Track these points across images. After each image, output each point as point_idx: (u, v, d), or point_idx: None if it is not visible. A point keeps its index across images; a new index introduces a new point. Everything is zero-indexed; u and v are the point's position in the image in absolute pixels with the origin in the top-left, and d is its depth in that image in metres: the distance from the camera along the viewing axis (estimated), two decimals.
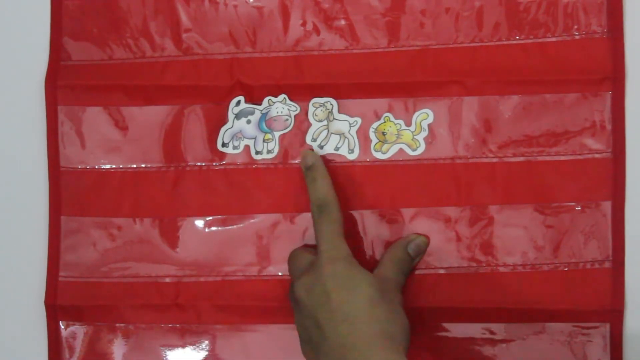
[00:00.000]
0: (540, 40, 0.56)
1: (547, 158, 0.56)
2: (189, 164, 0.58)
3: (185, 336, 0.58)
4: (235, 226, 0.57)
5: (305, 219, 0.57)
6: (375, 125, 0.57)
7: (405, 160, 0.57)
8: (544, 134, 0.56)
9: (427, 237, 0.56)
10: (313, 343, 0.49)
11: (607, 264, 0.55)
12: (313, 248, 0.55)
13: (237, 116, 0.57)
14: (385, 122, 0.57)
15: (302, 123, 0.57)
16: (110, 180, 0.58)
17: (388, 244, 0.56)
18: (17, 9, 0.59)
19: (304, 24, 0.57)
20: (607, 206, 0.55)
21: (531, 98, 0.56)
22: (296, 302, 0.51)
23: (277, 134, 0.57)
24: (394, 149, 0.57)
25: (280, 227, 0.57)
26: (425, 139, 0.56)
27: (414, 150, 0.56)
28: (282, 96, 0.57)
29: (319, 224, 0.52)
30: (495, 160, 0.56)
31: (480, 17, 0.56)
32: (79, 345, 0.58)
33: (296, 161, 0.57)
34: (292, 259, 0.55)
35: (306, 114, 0.57)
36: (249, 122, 0.57)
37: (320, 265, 0.50)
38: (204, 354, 0.58)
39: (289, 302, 0.56)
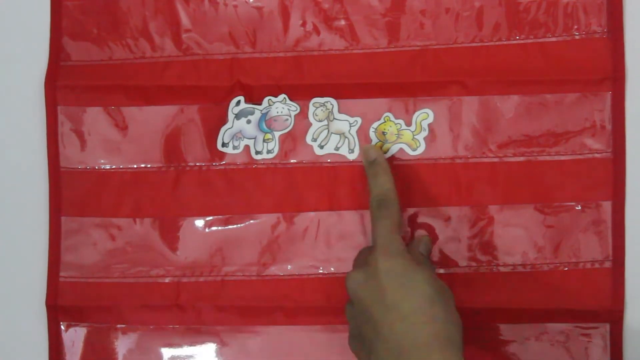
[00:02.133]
0: (540, 40, 0.56)
1: (547, 158, 0.56)
2: (189, 164, 0.58)
3: (186, 337, 0.58)
4: (235, 226, 0.57)
5: (305, 219, 0.57)
6: (375, 125, 0.57)
7: (405, 160, 0.57)
8: (544, 133, 0.56)
9: (427, 235, 0.56)
10: (365, 340, 0.48)
11: (607, 264, 0.55)
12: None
13: (237, 116, 0.57)
14: (385, 122, 0.57)
15: (302, 123, 0.57)
16: (110, 180, 0.58)
17: None
18: (17, 9, 0.59)
19: (304, 24, 0.57)
20: (607, 206, 0.55)
21: (531, 98, 0.56)
22: (350, 295, 0.50)
23: (277, 134, 0.57)
24: (394, 149, 0.57)
25: (280, 227, 0.57)
26: (425, 138, 0.56)
27: (414, 150, 0.56)
28: (282, 96, 0.57)
29: (377, 218, 0.51)
30: (495, 160, 0.56)
31: (480, 17, 0.56)
32: (79, 345, 0.58)
33: (295, 161, 0.57)
34: (357, 255, 0.54)
35: (306, 114, 0.57)
36: (249, 122, 0.57)
37: (375, 260, 0.49)
38: (204, 354, 0.58)
39: (288, 302, 0.56)
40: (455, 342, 0.46)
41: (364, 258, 0.51)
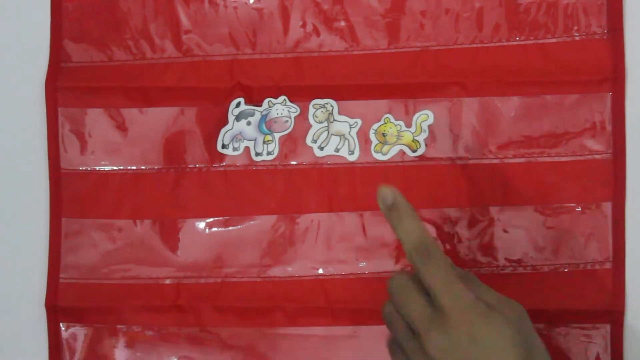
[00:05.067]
0: (540, 41, 0.56)
1: (548, 159, 0.56)
2: (189, 165, 0.58)
3: (186, 338, 0.58)
4: (235, 228, 0.57)
5: (305, 221, 0.57)
6: (375, 126, 0.57)
7: (405, 161, 0.56)
8: (544, 134, 0.56)
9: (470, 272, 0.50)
10: None
11: (607, 265, 0.55)
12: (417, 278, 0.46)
13: (237, 118, 0.57)
14: (385, 123, 0.57)
15: (302, 124, 0.57)
16: (110, 181, 0.58)
17: (388, 245, 0.56)
18: (18, 11, 0.59)
19: (304, 26, 0.57)
20: (607, 207, 0.55)
21: (531, 99, 0.56)
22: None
23: (277, 136, 0.57)
24: (394, 150, 0.57)
25: (280, 228, 0.57)
26: (425, 140, 0.56)
27: (414, 151, 0.56)
28: (282, 97, 0.57)
29: (428, 272, 0.44)
30: (495, 161, 0.56)
31: (480, 18, 0.56)
32: (79, 346, 0.58)
33: (295, 162, 0.57)
34: (401, 293, 0.45)
35: (306, 115, 0.57)
36: (249, 123, 0.57)
37: (455, 327, 0.43)
38: (204, 355, 0.58)
39: (289, 304, 0.56)
40: None
41: (424, 310, 0.44)
